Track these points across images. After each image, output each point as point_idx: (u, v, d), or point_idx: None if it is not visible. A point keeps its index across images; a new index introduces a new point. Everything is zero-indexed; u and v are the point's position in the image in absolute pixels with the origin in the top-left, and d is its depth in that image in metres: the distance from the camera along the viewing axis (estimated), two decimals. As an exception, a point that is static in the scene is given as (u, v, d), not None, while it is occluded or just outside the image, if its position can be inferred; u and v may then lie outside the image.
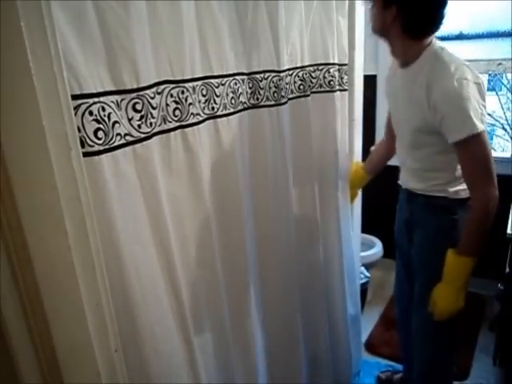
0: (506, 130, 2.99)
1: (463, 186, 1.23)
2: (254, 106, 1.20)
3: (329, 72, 1.42)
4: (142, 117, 0.83)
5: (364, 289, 2.16)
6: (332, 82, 1.44)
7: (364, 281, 2.11)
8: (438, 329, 1.37)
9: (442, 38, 2.36)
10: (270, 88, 1.21)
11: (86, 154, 0.70)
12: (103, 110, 0.75)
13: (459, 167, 1.21)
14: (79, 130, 0.68)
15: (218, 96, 1.04)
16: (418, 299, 1.39)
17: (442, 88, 1.11)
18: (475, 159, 1.15)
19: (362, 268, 2.11)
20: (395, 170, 2.55)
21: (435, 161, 1.26)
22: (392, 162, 2.56)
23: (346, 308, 1.70)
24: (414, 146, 1.29)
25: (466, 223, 1.19)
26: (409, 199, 1.39)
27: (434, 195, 1.29)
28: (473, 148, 1.13)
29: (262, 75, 1.19)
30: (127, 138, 0.81)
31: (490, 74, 2.86)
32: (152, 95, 0.85)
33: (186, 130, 0.95)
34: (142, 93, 0.82)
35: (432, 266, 1.28)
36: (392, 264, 2.62)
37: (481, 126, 1.10)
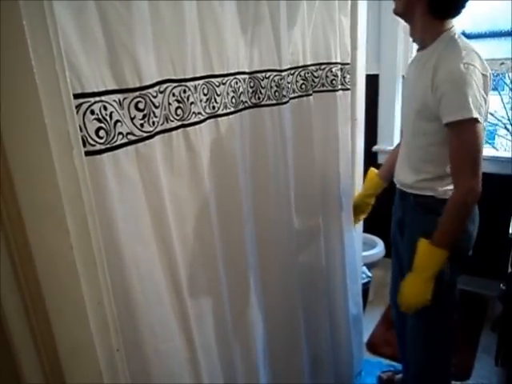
0: (508, 130, 2.98)
1: (451, 187, 1.23)
2: (256, 106, 1.20)
3: (331, 71, 1.42)
4: (144, 116, 0.83)
5: (366, 288, 2.16)
6: (334, 82, 1.43)
7: (366, 280, 2.11)
8: (431, 330, 1.37)
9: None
10: (271, 87, 1.21)
11: (87, 153, 0.70)
12: (105, 108, 0.75)
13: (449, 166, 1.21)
14: (80, 130, 0.68)
15: (218, 95, 1.04)
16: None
17: (448, 69, 1.12)
18: (464, 146, 1.15)
19: (364, 268, 2.11)
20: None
21: (430, 152, 1.26)
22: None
23: (348, 308, 1.70)
24: (413, 133, 1.29)
25: (443, 213, 1.19)
26: (401, 198, 1.41)
27: (423, 194, 1.29)
28: (464, 133, 1.13)
29: (263, 74, 1.19)
30: (129, 137, 0.81)
31: (492, 74, 2.85)
32: (154, 94, 0.85)
33: (188, 129, 0.95)
34: (144, 92, 0.82)
35: None
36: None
37: (475, 114, 1.09)
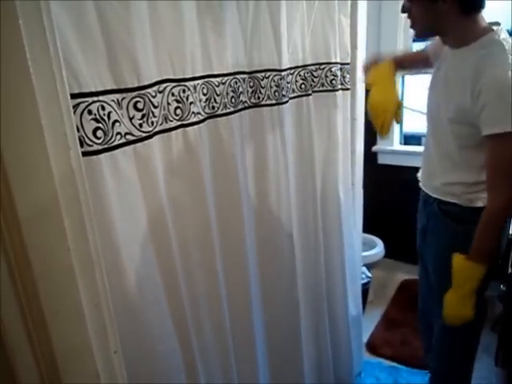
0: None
1: (478, 195, 1.18)
2: (255, 105, 1.19)
3: (331, 71, 1.42)
4: (143, 116, 0.83)
5: (365, 289, 2.15)
6: (334, 81, 1.43)
7: (365, 281, 2.11)
8: (453, 341, 1.33)
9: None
10: (271, 87, 1.21)
11: (84, 154, 0.69)
12: (103, 108, 0.75)
13: (479, 172, 1.15)
14: (78, 130, 0.67)
15: (218, 95, 1.04)
16: (437, 308, 1.33)
17: (493, 75, 1.03)
18: (503, 159, 1.07)
19: (364, 268, 2.11)
20: (398, 169, 2.55)
21: (460, 155, 1.19)
22: (396, 161, 2.56)
23: (348, 308, 1.70)
24: (443, 134, 1.21)
25: (478, 227, 1.15)
26: (425, 205, 1.36)
27: (447, 200, 1.24)
28: (505, 146, 1.05)
29: (263, 74, 1.19)
30: (128, 137, 0.80)
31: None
32: (153, 94, 0.85)
33: (187, 129, 0.95)
34: (143, 91, 0.81)
35: (444, 276, 1.23)
36: (393, 264, 2.62)
37: None
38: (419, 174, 1.39)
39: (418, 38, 1.24)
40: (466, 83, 1.08)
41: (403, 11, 1.18)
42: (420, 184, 1.39)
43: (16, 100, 0.45)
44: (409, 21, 1.19)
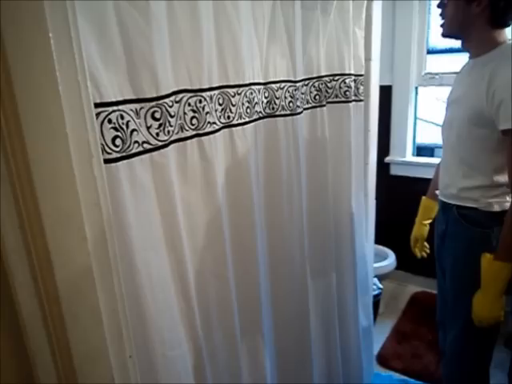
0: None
1: (498, 199, 1.20)
2: (270, 116, 1.21)
3: (345, 82, 1.43)
4: (160, 125, 0.84)
5: (377, 300, 2.14)
6: (348, 93, 1.44)
7: (377, 292, 2.09)
8: (467, 347, 1.33)
9: (458, 50, 2.35)
10: (285, 98, 1.22)
11: (103, 161, 0.71)
12: (122, 118, 0.77)
13: (496, 175, 1.19)
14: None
15: (233, 105, 1.05)
16: (452, 312, 1.36)
17: (506, 76, 1.09)
18: None
19: (375, 279, 2.10)
20: (411, 181, 2.55)
21: (478, 158, 1.22)
22: (408, 173, 2.56)
23: (358, 319, 1.69)
24: (461, 138, 1.25)
25: (504, 226, 1.16)
26: (444, 211, 1.38)
27: (466, 205, 1.26)
28: None
29: (278, 85, 1.20)
30: (145, 145, 0.82)
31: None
32: (170, 104, 0.86)
33: (203, 138, 0.96)
34: (161, 101, 0.83)
35: (462, 281, 1.24)
36: (405, 276, 2.60)
37: None
38: (439, 183, 1.42)
39: (445, 36, 1.27)
40: (481, 85, 1.14)
41: (438, 6, 1.26)
42: (439, 195, 1.41)
43: (44, 108, 0.47)
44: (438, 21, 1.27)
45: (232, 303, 1.10)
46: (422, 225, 1.58)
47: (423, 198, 1.60)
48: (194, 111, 0.94)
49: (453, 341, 1.38)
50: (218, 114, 1.01)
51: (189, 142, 0.94)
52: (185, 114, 0.92)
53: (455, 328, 1.33)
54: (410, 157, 2.59)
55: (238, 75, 1.05)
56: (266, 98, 1.18)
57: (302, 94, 1.29)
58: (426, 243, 1.59)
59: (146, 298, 0.83)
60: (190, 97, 0.93)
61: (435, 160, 2.73)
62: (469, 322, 1.23)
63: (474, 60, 1.25)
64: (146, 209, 0.84)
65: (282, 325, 1.34)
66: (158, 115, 0.84)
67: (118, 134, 0.76)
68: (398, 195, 2.55)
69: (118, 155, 0.77)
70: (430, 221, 1.58)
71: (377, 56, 1.61)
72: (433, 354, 2.04)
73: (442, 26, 1.26)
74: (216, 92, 0.99)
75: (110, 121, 0.74)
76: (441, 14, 1.26)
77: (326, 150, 1.41)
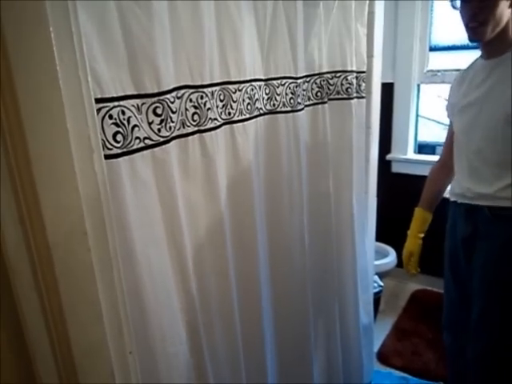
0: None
1: None
2: (271, 112, 1.20)
3: (346, 79, 1.42)
4: (161, 121, 0.84)
5: (377, 298, 2.14)
6: (349, 90, 1.43)
7: (377, 290, 2.09)
8: (501, 361, 1.26)
9: (460, 47, 2.34)
10: (286, 94, 1.22)
11: (104, 157, 0.71)
12: (123, 113, 0.77)
13: None
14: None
15: (234, 101, 1.05)
16: (477, 325, 1.28)
17: None
18: None
19: (376, 277, 2.10)
20: (412, 178, 2.54)
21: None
22: (409, 170, 2.55)
23: (359, 317, 1.69)
24: (490, 139, 1.21)
25: None
26: (468, 214, 1.30)
27: (501, 206, 1.21)
28: None
29: (279, 81, 1.20)
30: (146, 141, 0.82)
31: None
32: (172, 100, 0.86)
33: (204, 134, 0.96)
34: (162, 97, 0.83)
35: (499, 283, 1.19)
36: (405, 274, 2.59)
37: None
38: (456, 186, 1.36)
39: (483, 40, 1.20)
40: None
41: (472, 11, 1.16)
42: (454, 198, 1.35)
43: (44, 104, 0.47)
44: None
45: (233, 300, 1.10)
46: (417, 238, 1.49)
47: (417, 209, 1.51)
48: (195, 107, 0.94)
49: (479, 357, 1.30)
50: (219, 110, 1.01)
51: (190, 138, 0.94)
52: (186, 110, 0.92)
53: (482, 341, 1.26)
54: (411, 154, 2.59)
55: (239, 71, 1.05)
56: (266, 94, 1.18)
57: (304, 90, 1.28)
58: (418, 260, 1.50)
59: (147, 294, 0.84)
60: (192, 93, 0.92)
61: (436, 158, 2.73)
62: (507, 327, 1.18)
63: (492, 61, 1.21)
64: (146, 205, 0.84)
65: (282, 321, 1.34)
66: (159, 111, 0.84)
67: (119, 129, 0.76)
68: (399, 193, 2.54)
69: (119, 151, 0.77)
70: (423, 234, 1.49)
71: (379, 53, 1.60)
72: (433, 351, 2.04)
73: (474, 28, 1.17)
74: (217, 88, 0.99)
75: (110, 116, 0.74)
76: (474, 20, 1.16)
77: (327, 147, 1.41)
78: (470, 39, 1.21)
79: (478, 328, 1.29)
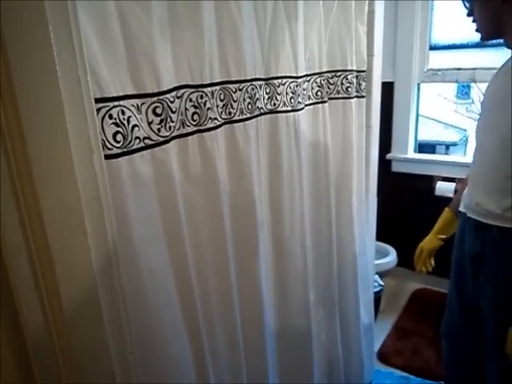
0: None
1: None
2: (271, 112, 1.20)
3: (346, 78, 1.42)
4: (161, 121, 0.84)
5: (378, 297, 2.14)
6: (349, 89, 1.43)
7: (378, 289, 2.09)
8: None
9: (460, 46, 2.34)
10: (287, 94, 1.22)
11: (104, 157, 0.71)
12: (123, 113, 0.76)
13: None
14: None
15: (235, 101, 1.05)
16: (494, 345, 1.21)
17: None
18: None
19: (376, 276, 2.09)
20: (412, 177, 2.54)
21: None
22: (410, 169, 2.55)
23: (360, 316, 1.69)
24: (504, 146, 1.09)
25: None
26: (476, 230, 1.22)
27: (510, 227, 1.11)
28: None
29: (279, 81, 1.20)
30: (146, 141, 0.82)
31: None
32: (172, 99, 0.86)
33: (204, 134, 0.96)
34: (162, 97, 0.83)
35: (509, 310, 1.13)
36: (406, 273, 2.60)
37: None
38: (466, 198, 1.28)
39: (484, 40, 1.17)
40: None
41: (468, 15, 1.16)
42: (464, 210, 1.28)
43: (44, 103, 0.47)
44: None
45: (233, 299, 1.10)
46: (437, 239, 1.41)
47: (446, 209, 1.43)
48: (195, 107, 0.93)
49: (501, 379, 1.23)
50: (220, 109, 1.01)
51: (190, 137, 0.94)
52: (186, 109, 0.92)
53: (502, 361, 1.19)
54: (411, 153, 2.58)
55: (240, 71, 1.05)
56: (267, 93, 1.18)
57: (304, 89, 1.28)
58: (432, 259, 1.44)
59: (147, 293, 0.84)
60: (192, 92, 0.92)
61: (437, 157, 2.72)
62: None
63: None
64: (146, 204, 0.83)
65: (283, 321, 1.34)
66: (159, 111, 0.84)
67: (119, 129, 0.76)
68: (400, 192, 2.54)
69: (119, 151, 0.77)
70: (445, 237, 1.41)
71: (379, 52, 1.60)
72: (433, 350, 2.04)
73: (477, 31, 1.15)
74: (217, 88, 0.99)
75: (110, 116, 0.74)
76: (473, 20, 1.15)
77: (327, 146, 1.41)
78: (480, 39, 1.18)
79: (494, 353, 1.22)
